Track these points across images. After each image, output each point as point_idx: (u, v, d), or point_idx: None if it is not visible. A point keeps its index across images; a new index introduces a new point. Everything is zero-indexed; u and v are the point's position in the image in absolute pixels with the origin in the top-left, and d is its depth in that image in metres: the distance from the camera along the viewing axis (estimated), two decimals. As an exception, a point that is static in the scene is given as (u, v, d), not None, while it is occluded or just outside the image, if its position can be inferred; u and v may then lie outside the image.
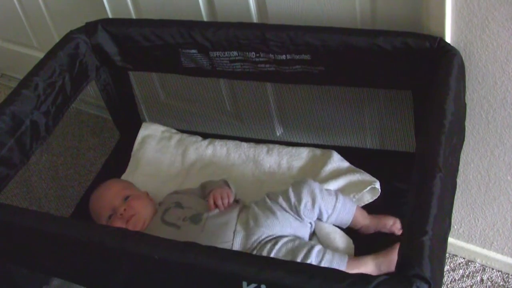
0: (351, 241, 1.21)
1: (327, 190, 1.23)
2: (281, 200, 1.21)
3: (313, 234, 1.24)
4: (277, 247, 1.13)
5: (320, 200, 1.20)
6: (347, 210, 1.22)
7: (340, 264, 1.11)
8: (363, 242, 1.21)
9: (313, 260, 1.10)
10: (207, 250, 0.90)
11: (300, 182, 1.22)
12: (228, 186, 1.33)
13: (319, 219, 1.23)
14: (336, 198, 1.22)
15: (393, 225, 1.22)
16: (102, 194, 1.37)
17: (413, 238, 0.85)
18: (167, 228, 1.25)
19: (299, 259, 1.10)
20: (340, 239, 1.20)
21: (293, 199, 1.20)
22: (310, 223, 1.22)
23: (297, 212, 1.20)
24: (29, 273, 1.23)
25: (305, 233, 1.21)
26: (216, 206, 1.26)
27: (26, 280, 1.25)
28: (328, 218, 1.22)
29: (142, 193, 1.38)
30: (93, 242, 0.96)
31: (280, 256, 1.13)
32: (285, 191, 1.22)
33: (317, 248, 1.12)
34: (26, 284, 1.27)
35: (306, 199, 1.19)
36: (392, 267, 1.11)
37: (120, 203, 1.31)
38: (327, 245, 1.19)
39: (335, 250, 1.17)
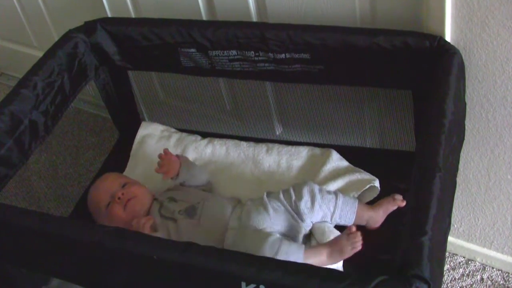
0: None
1: (327, 190, 1.24)
2: (281, 197, 1.22)
3: (310, 235, 1.24)
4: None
5: (320, 199, 1.20)
6: (349, 207, 1.22)
7: (298, 255, 1.10)
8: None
9: (266, 250, 1.09)
10: (205, 250, 0.90)
11: (300, 183, 1.24)
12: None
13: (325, 221, 1.23)
14: (336, 196, 1.22)
15: (394, 200, 1.23)
16: (99, 184, 1.38)
17: (413, 238, 0.85)
18: (165, 222, 1.26)
19: (250, 249, 1.10)
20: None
21: (293, 196, 1.21)
22: (309, 225, 1.22)
23: (296, 210, 1.20)
24: (28, 273, 1.23)
25: (296, 233, 1.21)
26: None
27: (25, 280, 1.25)
28: (332, 216, 1.22)
29: (140, 183, 1.39)
30: (92, 242, 0.96)
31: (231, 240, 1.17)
32: (286, 189, 1.24)
33: (274, 237, 1.12)
34: (25, 284, 1.26)
35: (306, 197, 1.20)
36: (343, 255, 1.12)
37: (118, 188, 1.32)
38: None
39: None
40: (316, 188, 1.22)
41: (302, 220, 1.21)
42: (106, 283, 1.05)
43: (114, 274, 1.01)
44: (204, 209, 1.25)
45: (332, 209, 1.21)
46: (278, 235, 1.14)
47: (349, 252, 1.12)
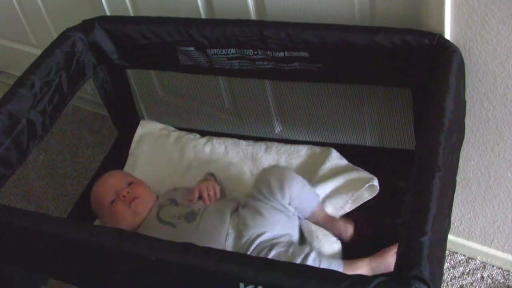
0: (337, 240, 1.21)
1: (298, 177, 1.23)
2: (256, 194, 1.21)
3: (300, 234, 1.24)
4: (272, 253, 1.13)
5: (288, 182, 1.19)
6: (308, 202, 1.22)
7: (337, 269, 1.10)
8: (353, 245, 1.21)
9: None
10: (204, 251, 0.90)
11: (267, 169, 1.25)
12: (214, 177, 1.36)
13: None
14: (303, 187, 1.22)
15: (344, 230, 1.22)
16: (105, 180, 1.38)
17: (412, 238, 0.84)
18: (163, 227, 1.25)
19: None
20: (324, 237, 1.20)
21: (263, 188, 1.20)
22: (293, 213, 1.21)
23: (274, 198, 1.19)
24: (27, 273, 1.23)
25: (293, 227, 1.21)
26: (201, 197, 1.28)
27: (24, 281, 1.25)
28: (289, 203, 1.20)
29: (145, 183, 1.39)
30: (90, 243, 0.96)
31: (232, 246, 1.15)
32: (256, 183, 1.24)
33: (313, 255, 1.11)
34: (24, 284, 1.26)
35: (273, 183, 1.19)
36: (388, 270, 1.11)
37: (123, 187, 1.32)
38: (312, 243, 1.19)
39: (319, 248, 1.17)
40: (286, 170, 1.22)
41: (284, 206, 1.19)
42: (104, 284, 1.05)
43: (112, 275, 1.01)
44: (204, 215, 1.24)
45: (293, 196, 1.20)
46: (315, 251, 1.13)
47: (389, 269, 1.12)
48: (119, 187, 1.32)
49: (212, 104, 1.69)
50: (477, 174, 1.34)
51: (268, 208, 1.20)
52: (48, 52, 1.33)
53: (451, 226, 1.08)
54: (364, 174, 1.32)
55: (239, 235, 1.19)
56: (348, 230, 1.23)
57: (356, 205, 1.28)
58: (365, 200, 1.29)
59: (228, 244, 1.19)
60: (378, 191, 1.29)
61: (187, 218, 1.24)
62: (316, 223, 1.23)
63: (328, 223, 1.23)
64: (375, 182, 1.29)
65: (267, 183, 1.21)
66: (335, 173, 1.34)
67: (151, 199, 1.33)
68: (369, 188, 1.29)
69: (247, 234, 1.18)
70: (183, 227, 1.23)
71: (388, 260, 1.12)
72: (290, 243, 1.16)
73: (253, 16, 1.39)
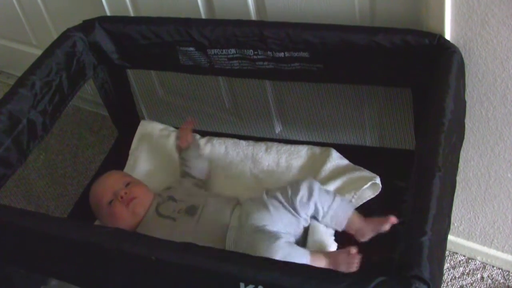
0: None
1: (326, 190, 1.23)
2: (278, 193, 1.21)
3: (306, 232, 1.24)
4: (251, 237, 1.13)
5: (317, 195, 1.19)
6: (342, 211, 1.21)
7: (304, 260, 1.10)
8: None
9: (275, 253, 1.08)
10: (204, 251, 0.90)
11: (301, 178, 1.23)
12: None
13: (315, 217, 1.22)
14: (333, 198, 1.21)
15: (387, 221, 1.18)
16: (103, 181, 1.38)
17: (412, 238, 0.84)
18: (163, 221, 1.26)
19: (262, 250, 1.09)
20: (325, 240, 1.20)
21: (290, 191, 1.20)
22: (305, 219, 1.21)
23: (292, 204, 1.19)
24: (27, 273, 1.23)
25: (296, 229, 1.21)
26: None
27: (24, 281, 1.24)
28: (323, 216, 1.21)
29: (143, 183, 1.39)
30: (90, 243, 0.96)
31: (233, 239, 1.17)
32: (283, 186, 1.23)
33: (282, 241, 1.11)
34: (24, 284, 1.26)
35: (303, 192, 1.19)
36: (337, 268, 1.12)
37: (121, 187, 1.32)
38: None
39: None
40: (316, 184, 1.21)
41: (299, 214, 1.20)
42: (104, 284, 1.05)
43: (112, 275, 1.01)
44: (205, 209, 1.25)
45: (326, 209, 1.20)
46: (285, 239, 1.13)
47: (343, 270, 1.11)
48: (117, 188, 1.32)
49: (212, 104, 1.69)
50: (477, 174, 1.34)
51: (276, 205, 1.20)
52: (48, 52, 1.33)
53: (451, 226, 1.08)
54: (366, 173, 1.32)
55: (240, 227, 1.19)
56: (388, 220, 1.18)
57: (359, 204, 1.28)
58: (368, 198, 1.29)
59: (230, 236, 1.19)
60: (380, 189, 1.29)
61: (188, 212, 1.25)
62: (355, 229, 1.21)
63: (368, 225, 1.20)
64: (377, 181, 1.29)
65: (296, 185, 1.20)
66: (336, 173, 1.34)
67: (149, 198, 1.33)
68: (371, 186, 1.29)
69: (247, 225, 1.18)
70: (184, 221, 1.23)
71: (338, 259, 1.12)
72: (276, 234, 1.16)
73: (253, 16, 1.39)
